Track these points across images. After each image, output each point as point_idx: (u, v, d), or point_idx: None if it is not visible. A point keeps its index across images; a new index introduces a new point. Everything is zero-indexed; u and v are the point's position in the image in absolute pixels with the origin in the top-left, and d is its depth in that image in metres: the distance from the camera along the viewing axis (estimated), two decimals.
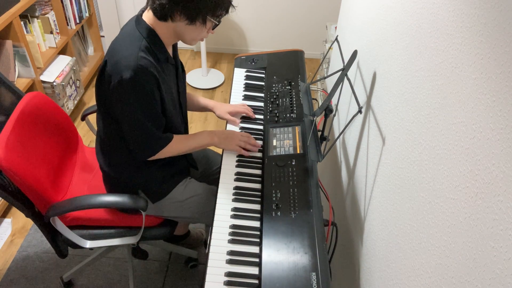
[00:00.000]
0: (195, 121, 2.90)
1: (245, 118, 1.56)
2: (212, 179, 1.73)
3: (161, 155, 1.34)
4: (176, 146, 1.36)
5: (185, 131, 1.54)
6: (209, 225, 1.61)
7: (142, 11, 1.23)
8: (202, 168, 1.72)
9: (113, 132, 1.33)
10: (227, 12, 1.21)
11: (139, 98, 1.18)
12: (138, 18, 1.21)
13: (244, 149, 1.40)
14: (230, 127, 1.53)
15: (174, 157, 1.42)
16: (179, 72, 1.39)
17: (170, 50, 1.31)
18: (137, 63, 1.13)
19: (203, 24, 1.18)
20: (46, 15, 2.45)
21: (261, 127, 1.52)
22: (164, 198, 1.46)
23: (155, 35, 1.21)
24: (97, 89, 1.27)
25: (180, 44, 3.72)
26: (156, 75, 1.18)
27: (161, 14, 1.15)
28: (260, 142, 1.44)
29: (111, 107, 1.24)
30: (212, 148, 2.53)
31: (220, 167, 1.37)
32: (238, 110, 1.54)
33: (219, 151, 1.52)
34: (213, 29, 1.24)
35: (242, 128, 1.52)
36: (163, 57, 1.24)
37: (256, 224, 1.17)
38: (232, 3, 1.21)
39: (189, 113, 2.96)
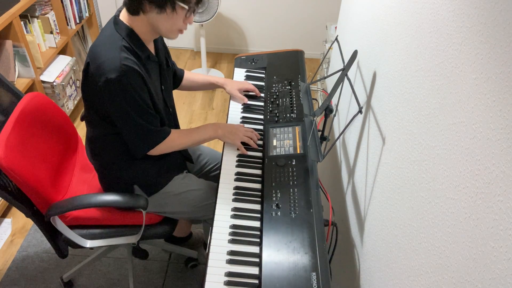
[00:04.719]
0: (195, 121, 2.90)
1: (245, 118, 1.56)
2: (210, 176, 1.73)
3: (161, 150, 1.34)
4: (178, 140, 1.36)
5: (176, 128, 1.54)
6: (209, 222, 1.62)
7: (119, 11, 1.25)
8: (199, 165, 1.72)
9: (103, 131, 1.34)
10: None
11: (128, 97, 1.20)
12: (116, 18, 1.23)
13: (245, 146, 1.40)
14: (233, 104, 1.60)
15: None
16: (163, 68, 1.39)
17: (151, 47, 1.32)
18: (121, 63, 1.15)
19: (174, 11, 1.16)
20: (46, 15, 2.45)
21: (261, 127, 1.52)
22: (159, 191, 1.47)
23: (134, 33, 1.22)
24: (84, 91, 1.28)
25: (180, 44, 3.72)
26: (141, 72, 1.20)
27: (132, 8, 1.17)
28: (260, 142, 1.45)
29: (100, 106, 1.26)
30: (210, 145, 2.53)
31: (220, 167, 1.37)
32: (247, 87, 1.64)
33: (218, 148, 1.52)
34: (187, 16, 1.21)
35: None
36: (144, 55, 1.25)
37: (256, 224, 1.17)
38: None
39: (189, 112, 2.96)
